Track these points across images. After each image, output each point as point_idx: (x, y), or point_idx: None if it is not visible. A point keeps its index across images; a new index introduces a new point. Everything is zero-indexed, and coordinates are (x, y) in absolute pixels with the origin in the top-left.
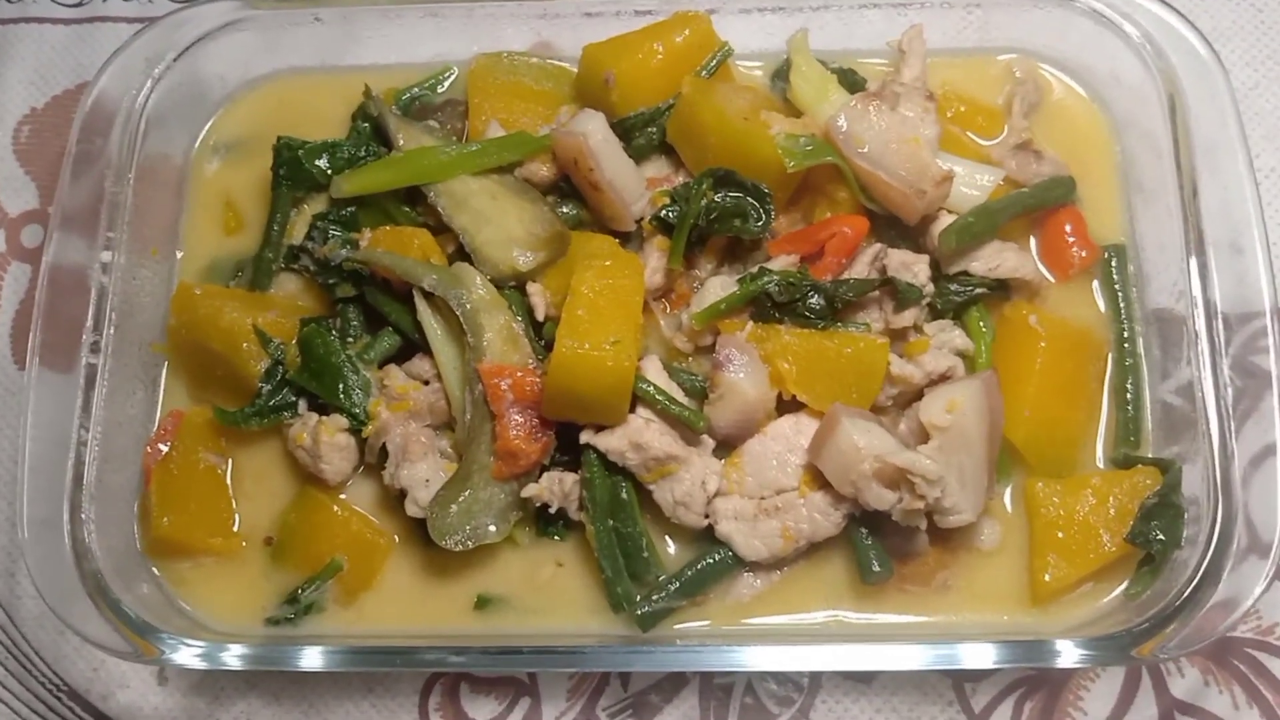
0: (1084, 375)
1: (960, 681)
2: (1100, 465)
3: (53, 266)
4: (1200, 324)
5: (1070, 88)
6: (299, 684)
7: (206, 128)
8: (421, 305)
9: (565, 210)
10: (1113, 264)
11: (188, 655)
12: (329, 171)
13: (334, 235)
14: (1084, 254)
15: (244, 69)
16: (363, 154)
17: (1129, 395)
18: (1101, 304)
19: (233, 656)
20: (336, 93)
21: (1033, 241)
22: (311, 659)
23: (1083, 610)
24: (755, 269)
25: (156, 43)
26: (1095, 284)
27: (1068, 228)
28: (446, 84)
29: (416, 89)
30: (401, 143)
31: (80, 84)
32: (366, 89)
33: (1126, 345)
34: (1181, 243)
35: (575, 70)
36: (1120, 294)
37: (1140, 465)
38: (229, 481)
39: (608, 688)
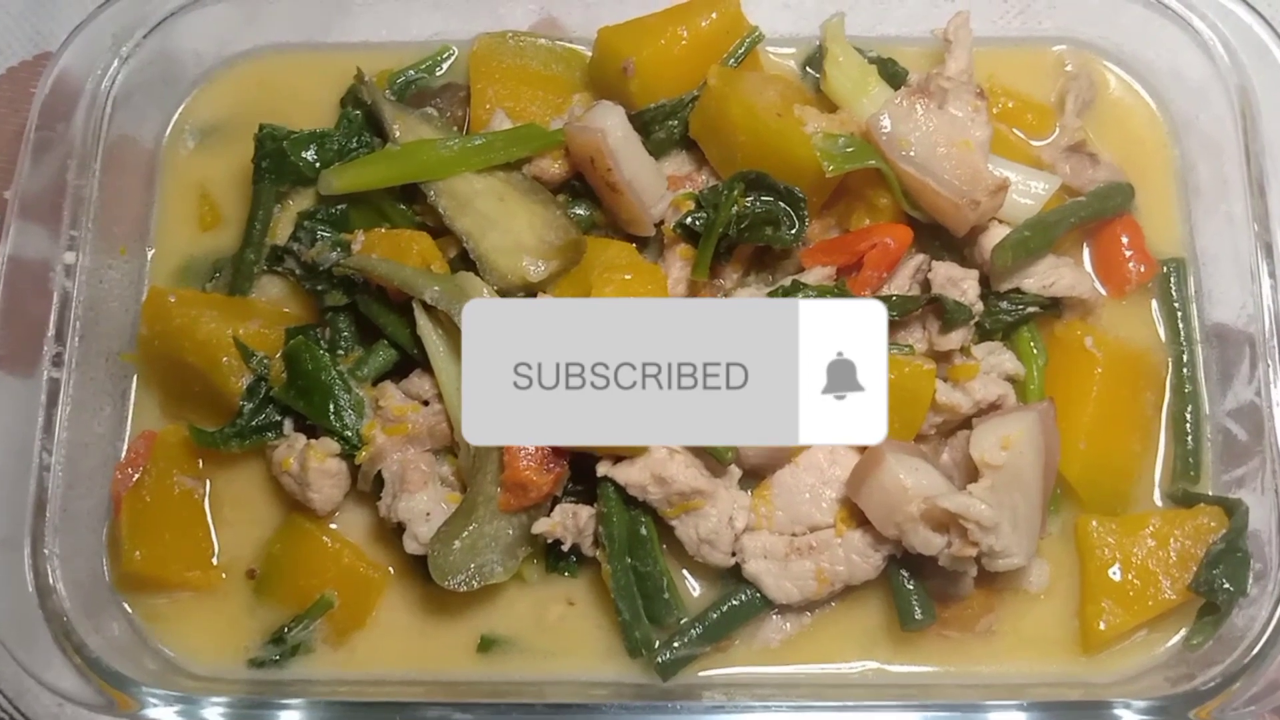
0: (1141, 403)
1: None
2: (1157, 501)
3: (10, 259)
4: (1272, 342)
5: (1127, 84)
6: None
7: (180, 110)
8: (422, 318)
9: (578, 212)
10: (1172, 280)
11: (167, 711)
12: (317, 165)
13: (323, 236)
14: (1142, 269)
15: (221, 45)
16: (354, 145)
17: (1188, 425)
18: (1159, 323)
19: (216, 711)
20: (323, 73)
21: (1085, 254)
22: (302, 714)
23: (1136, 659)
24: (788, 282)
25: (125, 15)
26: (1152, 300)
27: (1124, 240)
28: (445, 66)
29: (412, 71)
30: (398, 134)
31: (39, 55)
32: (359, 73)
33: (1186, 370)
34: (1246, 254)
35: (587, 53)
36: (1180, 313)
37: (1203, 504)
38: (207, 508)
39: None
